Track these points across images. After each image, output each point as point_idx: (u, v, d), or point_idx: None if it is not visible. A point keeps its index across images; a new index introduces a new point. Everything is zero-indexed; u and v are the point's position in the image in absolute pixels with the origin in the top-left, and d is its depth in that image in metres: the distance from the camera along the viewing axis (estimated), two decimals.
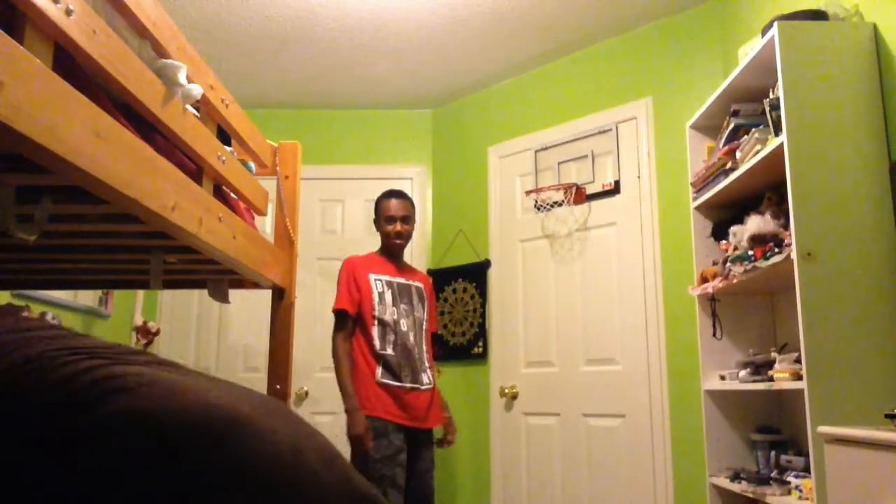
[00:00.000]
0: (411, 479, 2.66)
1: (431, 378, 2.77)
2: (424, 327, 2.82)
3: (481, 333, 3.52)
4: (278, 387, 2.12)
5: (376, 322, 2.68)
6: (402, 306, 2.76)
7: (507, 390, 3.34)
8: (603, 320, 3.07)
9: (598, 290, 3.11)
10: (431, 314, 2.92)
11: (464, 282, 3.64)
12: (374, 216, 2.90)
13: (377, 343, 2.67)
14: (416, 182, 3.95)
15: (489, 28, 3.15)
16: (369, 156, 3.98)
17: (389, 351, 2.67)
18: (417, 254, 3.85)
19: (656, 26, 3.09)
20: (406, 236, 2.84)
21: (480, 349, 3.51)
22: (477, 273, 3.59)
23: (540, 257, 3.37)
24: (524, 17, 3.06)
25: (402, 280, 2.82)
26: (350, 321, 2.69)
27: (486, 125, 3.74)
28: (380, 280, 2.76)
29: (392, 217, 2.80)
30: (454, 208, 3.82)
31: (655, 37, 3.09)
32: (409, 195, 2.97)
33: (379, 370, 2.65)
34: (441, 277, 3.75)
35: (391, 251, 2.85)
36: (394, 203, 2.82)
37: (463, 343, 3.58)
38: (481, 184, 3.69)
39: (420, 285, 2.88)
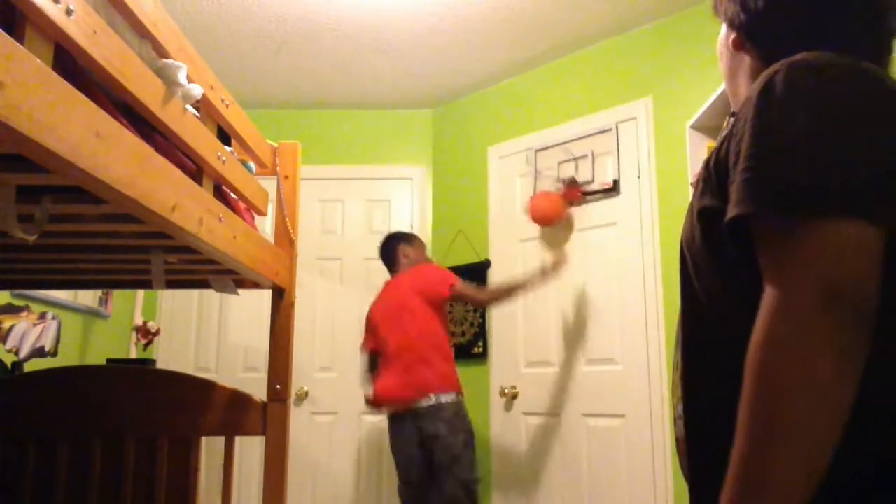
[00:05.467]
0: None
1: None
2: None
3: (481, 333, 3.52)
4: (278, 387, 2.12)
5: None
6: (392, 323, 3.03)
7: (507, 390, 3.34)
8: (603, 320, 3.07)
9: (598, 290, 3.11)
10: (436, 283, 3.03)
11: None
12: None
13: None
14: (416, 182, 3.95)
15: (489, 28, 3.15)
16: (369, 156, 3.98)
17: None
18: None
19: (656, 26, 3.09)
20: (401, 266, 3.19)
21: (480, 349, 3.51)
22: (477, 273, 3.59)
23: (540, 257, 3.36)
24: (524, 17, 3.06)
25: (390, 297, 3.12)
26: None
27: (486, 125, 3.74)
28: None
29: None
30: (454, 208, 3.82)
31: (655, 37, 3.09)
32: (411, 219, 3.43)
33: None
34: None
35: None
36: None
37: (463, 343, 3.58)
38: (481, 184, 3.69)
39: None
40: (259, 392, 2.17)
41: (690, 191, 2.58)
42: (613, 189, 3.11)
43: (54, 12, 0.92)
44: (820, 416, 0.63)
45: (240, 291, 2.26)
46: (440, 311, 3.01)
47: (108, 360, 2.93)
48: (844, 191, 0.67)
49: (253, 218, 1.92)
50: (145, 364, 2.90)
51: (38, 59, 0.88)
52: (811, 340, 0.64)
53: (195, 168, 1.49)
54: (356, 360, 3.73)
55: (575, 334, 3.17)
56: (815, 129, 0.70)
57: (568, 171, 3.28)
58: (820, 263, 0.66)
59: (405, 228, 3.90)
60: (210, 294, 3.73)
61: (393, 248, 3.22)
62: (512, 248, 3.49)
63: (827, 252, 0.66)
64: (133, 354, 3.52)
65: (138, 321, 3.52)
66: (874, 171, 0.69)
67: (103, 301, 3.24)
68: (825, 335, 0.64)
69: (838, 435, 0.64)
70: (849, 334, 0.64)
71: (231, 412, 2.14)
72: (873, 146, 0.70)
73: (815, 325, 0.64)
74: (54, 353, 2.62)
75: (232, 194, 1.76)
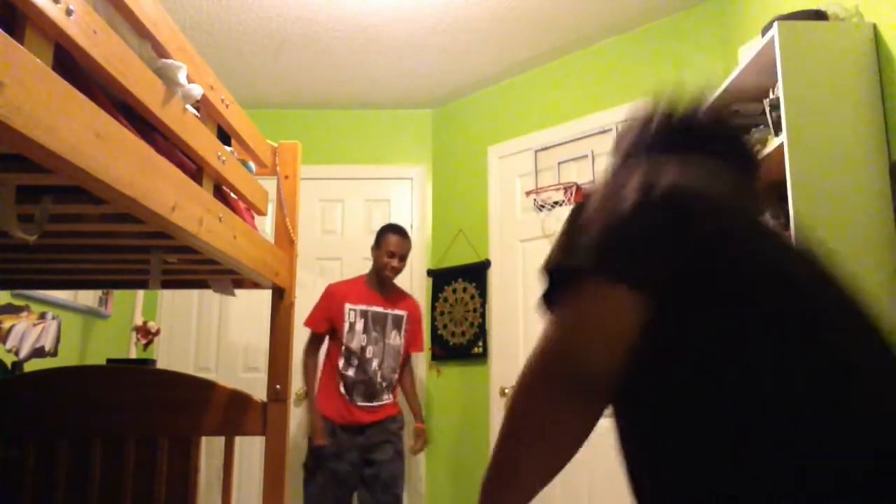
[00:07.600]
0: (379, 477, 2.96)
1: (392, 396, 3.08)
2: (399, 351, 3.09)
3: (481, 333, 3.52)
4: (278, 387, 2.12)
5: (343, 347, 3.01)
6: (374, 334, 3.05)
7: (507, 390, 3.34)
8: None
9: None
10: (416, 337, 3.20)
11: (464, 282, 3.64)
12: (373, 243, 3.14)
13: (341, 363, 3.00)
14: (416, 182, 3.95)
15: (489, 28, 3.15)
16: (369, 156, 3.99)
17: (350, 373, 3.00)
18: (417, 254, 3.85)
19: (656, 26, 3.09)
20: (399, 272, 3.11)
21: (480, 349, 3.51)
22: (477, 273, 3.59)
23: (540, 257, 3.35)
24: (524, 17, 3.06)
25: (378, 309, 3.09)
26: (319, 338, 3.04)
27: (486, 125, 3.74)
28: (354, 310, 3.05)
29: (392, 253, 3.06)
30: (454, 208, 3.82)
31: (655, 37, 3.09)
32: (409, 222, 3.44)
33: (341, 385, 3.00)
34: (441, 277, 3.75)
35: (381, 281, 3.11)
36: (397, 240, 3.09)
37: (463, 343, 3.58)
38: (481, 184, 3.69)
39: (402, 313, 3.12)
40: (259, 392, 2.17)
41: None
42: None
43: (54, 12, 0.92)
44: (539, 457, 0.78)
45: (240, 291, 2.26)
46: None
47: (108, 360, 2.93)
48: (585, 258, 0.74)
49: (253, 218, 1.92)
50: (145, 364, 2.90)
51: (38, 59, 0.88)
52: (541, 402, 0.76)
53: (195, 168, 1.48)
54: None
55: None
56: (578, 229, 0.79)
57: (569, 172, 3.29)
58: (551, 332, 0.76)
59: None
60: (210, 294, 3.73)
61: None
62: (512, 248, 3.49)
63: (563, 321, 0.75)
64: (133, 354, 3.52)
65: (138, 321, 3.52)
66: (606, 239, 0.74)
67: (103, 301, 3.24)
68: (549, 396, 0.74)
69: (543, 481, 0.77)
70: (573, 401, 0.74)
71: (231, 412, 2.14)
72: (605, 226, 0.76)
73: (542, 387, 0.75)
74: (54, 353, 2.62)
75: (232, 194, 1.76)
